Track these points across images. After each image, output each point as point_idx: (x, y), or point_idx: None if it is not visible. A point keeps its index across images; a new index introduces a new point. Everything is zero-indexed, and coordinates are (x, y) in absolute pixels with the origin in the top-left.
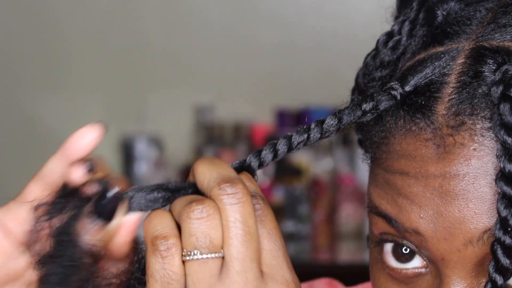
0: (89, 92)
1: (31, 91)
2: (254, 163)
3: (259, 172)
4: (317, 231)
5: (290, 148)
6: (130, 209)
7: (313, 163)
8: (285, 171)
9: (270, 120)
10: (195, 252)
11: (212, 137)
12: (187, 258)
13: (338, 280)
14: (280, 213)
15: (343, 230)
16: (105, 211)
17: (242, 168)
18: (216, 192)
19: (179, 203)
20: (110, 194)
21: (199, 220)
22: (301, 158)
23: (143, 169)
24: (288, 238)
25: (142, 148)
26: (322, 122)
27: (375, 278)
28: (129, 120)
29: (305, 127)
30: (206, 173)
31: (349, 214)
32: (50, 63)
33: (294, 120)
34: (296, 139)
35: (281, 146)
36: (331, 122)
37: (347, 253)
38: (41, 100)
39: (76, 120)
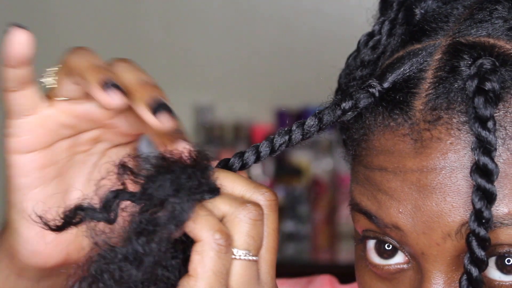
0: None
1: None
2: (237, 164)
3: (259, 172)
4: (317, 231)
5: (272, 150)
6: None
7: (313, 163)
8: (285, 171)
9: (270, 120)
10: (246, 253)
11: (212, 137)
12: (240, 257)
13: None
14: (280, 213)
15: (343, 230)
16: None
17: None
18: (259, 197)
19: (227, 202)
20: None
21: (257, 222)
22: (301, 158)
23: None
24: (288, 238)
25: (142, 148)
26: (303, 123)
27: (360, 275)
28: None
29: (286, 128)
30: (236, 181)
31: (349, 214)
32: (50, 63)
33: (294, 120)
34: (278, 140)
35: (263, 148)
36: (312, 123)
37: (347, 253)
38: None
39: None
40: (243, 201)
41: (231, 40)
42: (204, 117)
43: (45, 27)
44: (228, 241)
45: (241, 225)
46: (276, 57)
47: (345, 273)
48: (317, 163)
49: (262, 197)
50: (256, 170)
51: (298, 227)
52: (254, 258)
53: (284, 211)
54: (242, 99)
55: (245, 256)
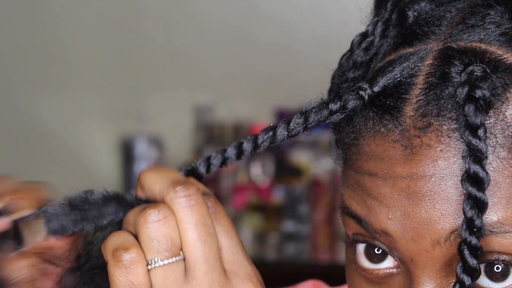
0: (89, 92)
1: (31, 91)
2: (202, 168)
3: (259, 172)
4: (317, 231)
5: (255, 146)
6: (49, 230)
7: (313, 163)
8: (285, 171)
9: (270, 120)
10: (157, 259)
11: (212, 137)
12: (151, 266)
13: (326, 281)
14: (280, 213)
15: (343, 230)
16: (18, 237)
17: (189, 174)
18: (171, 196)
19: (132, 213)
20: (19, 218)
21: (158, 223)
22: (301, 158)
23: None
24: (288, 238)
25: (142, 148)
26: (289, 121)
27: (350, 278)
28: (129, 120)
29: (271, 125)
30: (156, 180)
31: None
32: (50, 63)
33: None
34: (262, 137)
35: (247, 145)
36: (298, 121)
37: None
38: (41, 100)
39: (76, 120)
40: (143, 208)
41: (231, 40)
42: (204, 117)
43: (46, 26)
44: (129, 255)
45: (142, 231)
46: (276, 57)
47: (345, 273)
48: (317, 163)
49: (175, 195)
50: (256, 170)
51: (298, 227)
52: (171, 260)
53: (284, 211)
54: (242, 99)
55: (156, 263)
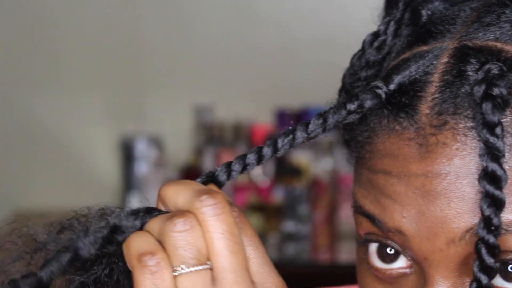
0: (89, 92)
1: (30, 91)
2: (223, 175)
3: (259, 173)
4: (317, 231)
5: (275, 151)
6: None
7: (313, 163)
8: (285, 171)
9: (270, 120)
10: (183, 266)
11: (212, 137)
12: (177, 273)
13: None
14: (280, 213)
15: (343, 230)
16: None
17: (209, 181)
18: (197, 205)
19: (157, 221)
20: None
21: (183, 233)
22: (301, 158)
23: (143, 169)
24: (288, 238)
25: (142, 148)
26: (308, 123)
27: (361, 278)
28: (129, 120)
29: (290, 128)
30: (179, 192)
31: (349, 214)
32: (50, 63)
33: (294, 120)
34: (282, 141)
35: (267, 150)
36: (316, 123)
37: (347, 253)
38: (40, 100)
39: (76, 120)
40: (169, 216)
41: (231, 40)
42: (204, 117)
43: (44, 26)
44: (155, 260)
45: (168, 240)
46: (276, 57)
47: (345, 273)
48: (317, 163)
49: (201, 204)
50: (256, 170)
51: (298, 227)
52: (197, 268)
53: (284, 211)
54: (242, 99)
55: (183, 270)
